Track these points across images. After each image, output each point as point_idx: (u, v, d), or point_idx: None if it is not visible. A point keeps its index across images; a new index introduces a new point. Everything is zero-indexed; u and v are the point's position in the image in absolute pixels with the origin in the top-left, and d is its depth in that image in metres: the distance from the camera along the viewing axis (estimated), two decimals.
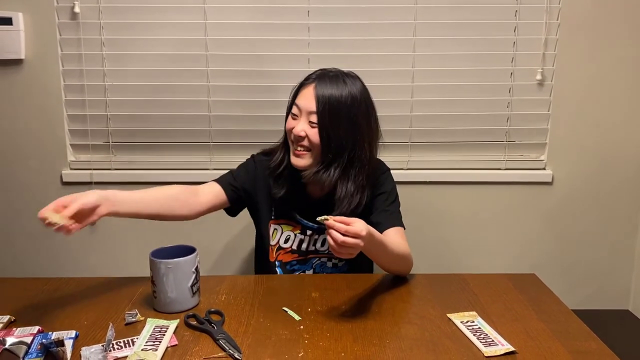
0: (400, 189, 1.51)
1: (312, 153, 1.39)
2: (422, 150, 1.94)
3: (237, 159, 1.60)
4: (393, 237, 1.37)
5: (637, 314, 1.99)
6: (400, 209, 1.49)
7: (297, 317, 1.16)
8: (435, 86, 1.89)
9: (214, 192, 1.47)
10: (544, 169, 1.95)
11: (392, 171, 1.91)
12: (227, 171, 1.53)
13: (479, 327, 1.12)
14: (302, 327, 1.13)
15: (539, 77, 1.87)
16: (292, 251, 1.51)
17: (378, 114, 1.88)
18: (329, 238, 1.12)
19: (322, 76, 1.40)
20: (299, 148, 1.39)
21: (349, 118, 1.38)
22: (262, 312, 1.19)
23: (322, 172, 1.39)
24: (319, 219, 1.13)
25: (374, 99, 1.88)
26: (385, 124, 1.89)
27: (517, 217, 1.97)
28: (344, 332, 1.10)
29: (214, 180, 1.50)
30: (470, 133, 1.93)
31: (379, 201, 1.46)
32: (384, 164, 1.55)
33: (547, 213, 1.97)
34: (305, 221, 1.49)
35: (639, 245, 1.99)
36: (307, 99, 1.37)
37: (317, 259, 1.50)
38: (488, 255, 2.00)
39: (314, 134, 1.37)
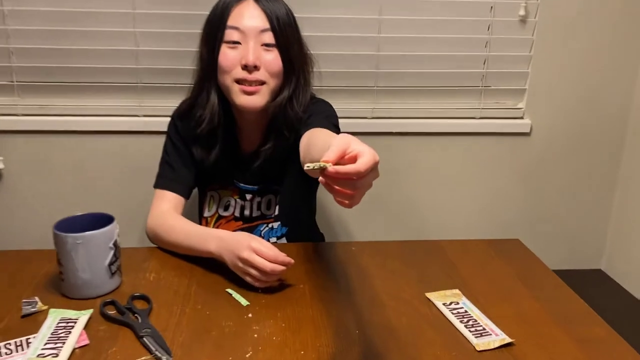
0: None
1: (268, 85, 1.12)
2: (389, 96, 1.72)
3: (170, 104, 1.31)
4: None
5: (610, 274, 1.89)
6: None
7: (244, 302, 0.94)
8: (405, 21, 1.66)
9: (178, 203, 1.20)
10: (521, 117, 1.78)
11: (355, 120, 1.70)
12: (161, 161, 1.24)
13: (466, 311, 0.93)
14: (250, 315, 0.91)
15: (522, 12, 1.66)
16: (235, 218, 1.27)
17: (340, 52, 1.64)
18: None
19: None
20: (251, 83, 1.11)
21: (298, 35, 1.16)
22: (201, 296, 0.96)
23: (288, 104, 1.15)
24: (310, 165, 0.68)
25: (337, 34, 1.64)
26: (348, 64, 1.67)
27: (491, 170, 1.81)
28: (304, 322, 0.89)
29: (160, 189, 1.20)
30: (443, 77, 1.72)
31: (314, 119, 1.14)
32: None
33: (523, 166, 1.81)
34: (242, 184, 1.25)
35: (615, 203, 1.87)
36: (251, 17, 1.10)
37: (265, 224, 1.27)
38: (459, 213, 1.84)
39: (273, 59, 1.11)
